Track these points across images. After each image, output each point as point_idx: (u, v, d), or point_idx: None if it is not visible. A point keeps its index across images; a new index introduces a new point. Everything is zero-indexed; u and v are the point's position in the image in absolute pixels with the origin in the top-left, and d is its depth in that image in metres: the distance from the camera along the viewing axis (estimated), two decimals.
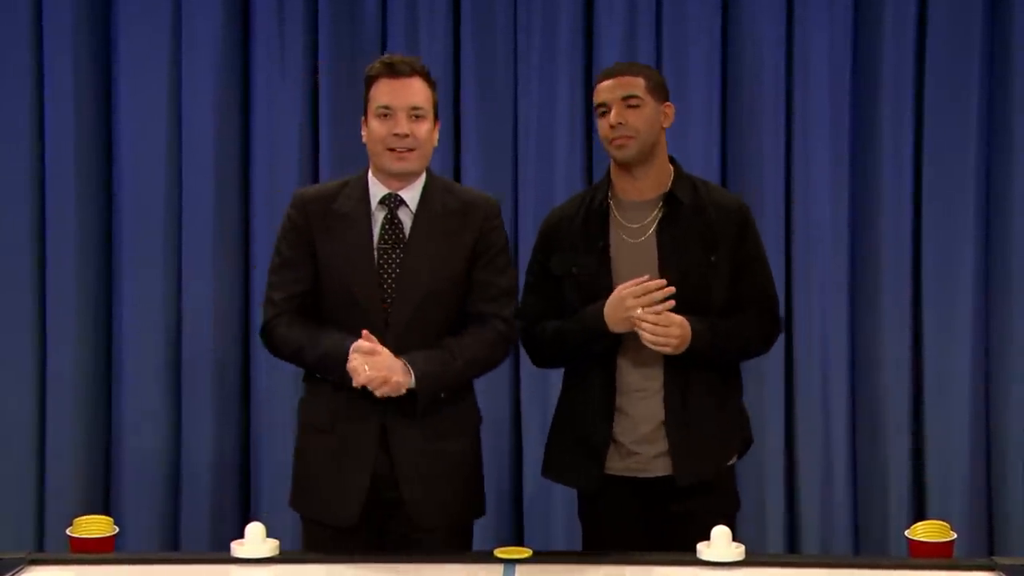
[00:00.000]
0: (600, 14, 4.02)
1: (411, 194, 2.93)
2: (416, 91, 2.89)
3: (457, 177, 4.05)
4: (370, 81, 2.92)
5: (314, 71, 4.05)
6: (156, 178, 4.05)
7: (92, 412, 4.08)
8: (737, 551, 2.61)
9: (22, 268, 4.05)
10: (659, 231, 2.96)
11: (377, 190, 2.94)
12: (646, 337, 2.82)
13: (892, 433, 4.03)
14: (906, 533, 2.70)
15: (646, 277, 2.85)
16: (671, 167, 3.03)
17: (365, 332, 2.80)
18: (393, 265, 2.89)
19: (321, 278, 2.93)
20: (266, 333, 2.99)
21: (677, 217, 2.97)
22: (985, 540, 4.01)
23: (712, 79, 4.01)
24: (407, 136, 2.87)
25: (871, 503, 4.05)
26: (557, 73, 4.03)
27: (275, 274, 2.99)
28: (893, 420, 4.03)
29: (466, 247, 2.93)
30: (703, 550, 2.62)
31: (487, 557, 2.67)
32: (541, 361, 3.15)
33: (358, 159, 3.99)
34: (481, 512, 3.06)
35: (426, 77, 2.92)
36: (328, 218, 2.93)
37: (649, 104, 2.95)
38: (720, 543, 2.61)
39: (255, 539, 2.65)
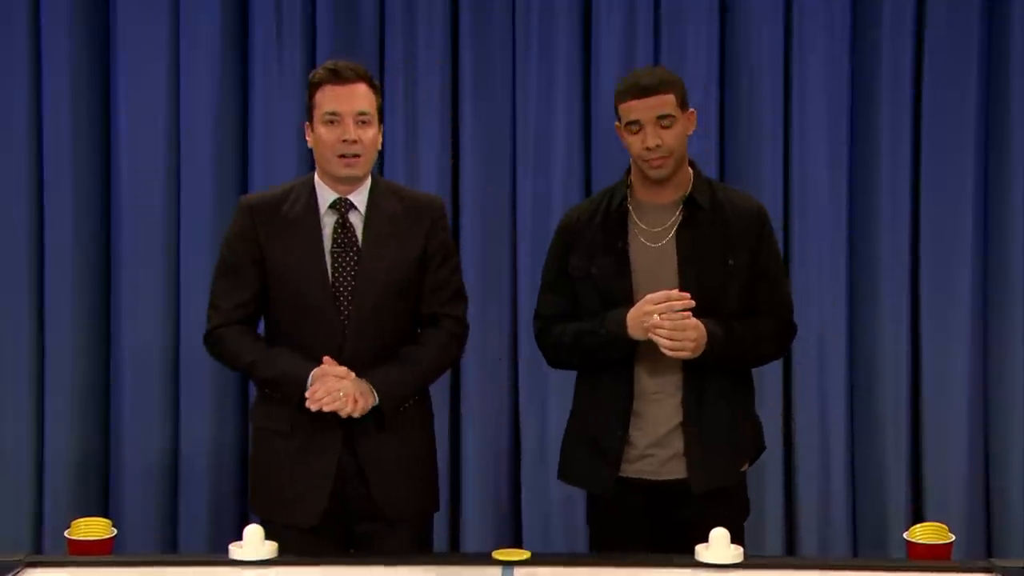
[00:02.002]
0: (598, 15, 4.02)
1: (359, 198, 2.96)
2: (361, 96, 2.91)
3: (455, 179, 4.05)
4: (314, 88, 2.94)
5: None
6: (155, 179, 4.04)
7: (90, 414, 4.07)
8: (735, 553, 2.61)
9: (20, 269, 4.04)
10: (678, 235, 2.95)
11: (325, 195, 2.96)
12: (663, 343, 2.82)
13: (890, 435, 4.03)
14: (905, 535, 2.70)
15: (675, 292, 2.84)
16: (690, 170, 3.02)
17: (327, 358, 2.83)
18: (348, 268, 2.91)
19: (272, 284, 2.95)
20: (211, 340, 3.00)
21: (696, 221, 2.96)
22: (984, 542, 4.01)
23: (711, 80, 4.01)
24: (355, 142, 2.89)
25: (869, 505, 4.05)
26: (555, 74, 4.02)
27: (220, 280, 3.00)
28: (891, 422, 4.03)
29: (418, 247, 2.96)
30: (701, 552, 2.62)
31: (485, 559, 2.66)
32: (556, 362, 3.14)
33: None
34: (438, 507, 3.10)
35: (370, 82, 2.95)
36: (277, 223, 2.95)
37: (680, 119, 2.95)
38: (719, 545, 2.61)
39: (254, 541, 2.64)
